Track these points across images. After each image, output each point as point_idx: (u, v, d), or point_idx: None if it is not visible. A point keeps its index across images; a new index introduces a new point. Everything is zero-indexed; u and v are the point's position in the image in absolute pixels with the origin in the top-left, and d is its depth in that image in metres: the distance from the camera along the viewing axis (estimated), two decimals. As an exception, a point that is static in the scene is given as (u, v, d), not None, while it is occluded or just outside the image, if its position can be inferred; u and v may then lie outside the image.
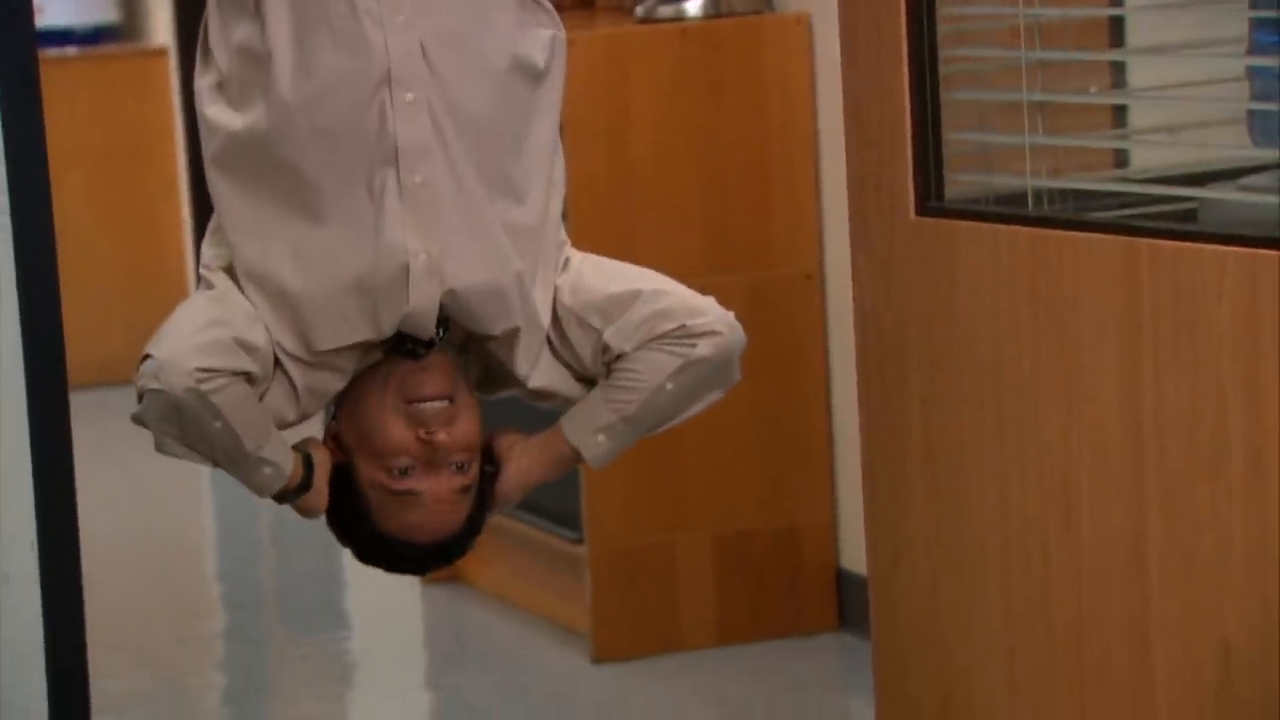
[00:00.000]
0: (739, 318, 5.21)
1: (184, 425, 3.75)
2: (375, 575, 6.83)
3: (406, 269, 3.81)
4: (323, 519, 3.89)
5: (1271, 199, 3.68)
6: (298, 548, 7.25)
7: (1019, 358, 3.91)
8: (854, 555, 5.28)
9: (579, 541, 5.72)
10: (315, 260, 3.84)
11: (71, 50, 7.59)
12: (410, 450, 3.74)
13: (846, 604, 5.63)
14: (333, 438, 3.86)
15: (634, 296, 3.95)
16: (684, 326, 3.92)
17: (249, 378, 3.75)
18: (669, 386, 3.91)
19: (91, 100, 6.98)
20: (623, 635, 5.73)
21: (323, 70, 3.81)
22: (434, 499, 3.74)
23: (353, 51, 3.80)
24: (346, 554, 7.27)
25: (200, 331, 3.77)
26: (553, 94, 4.01)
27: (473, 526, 3.91)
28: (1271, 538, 3.58)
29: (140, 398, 3.74)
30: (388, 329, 3.83)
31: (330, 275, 3.84)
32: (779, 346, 5.65)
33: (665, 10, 5.89)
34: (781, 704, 5.65)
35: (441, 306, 3.81)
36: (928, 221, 3.99)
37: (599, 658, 5.74)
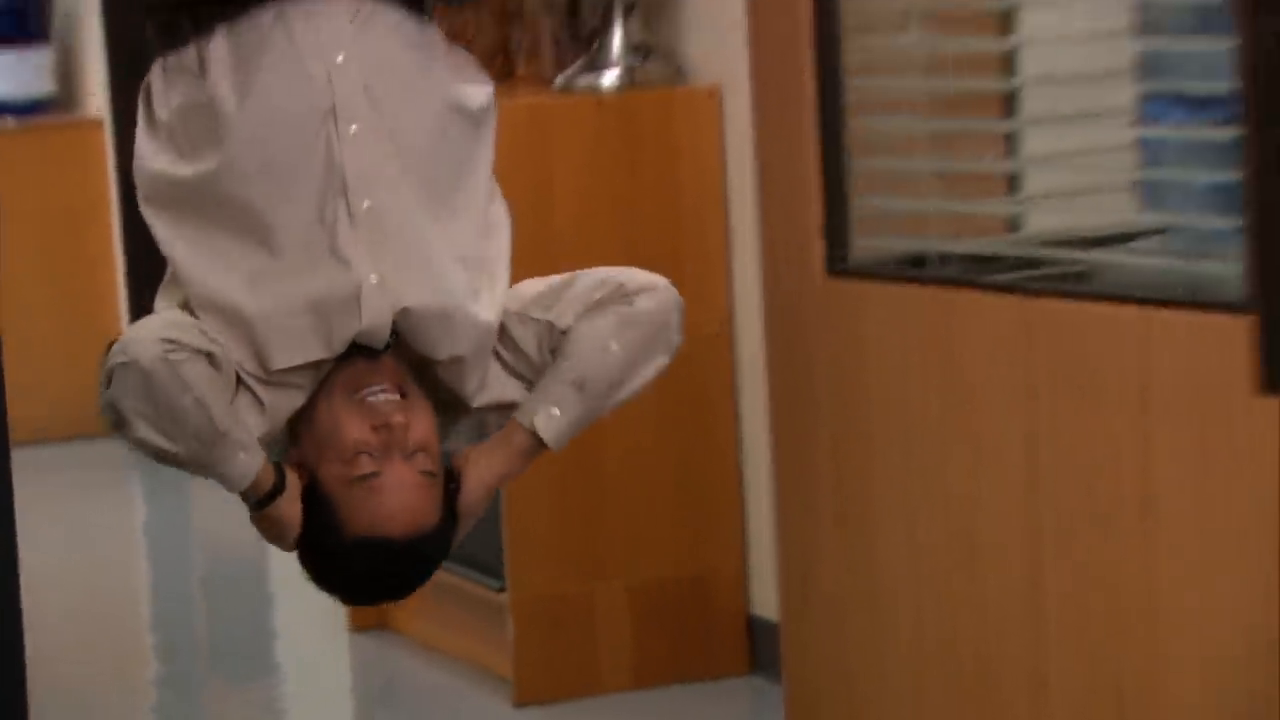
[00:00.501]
0: (654, 386, 5.35)
1: (155, 401, 3.64)
2: (305, 624, 6.92)
3: (359, 289, 3.88)
4: (294, 557, 3.82)
5: (1160, 261, 3.80)
6: (230, 598, 7.17)
7: (924, 412, 3.95)
8: (765, 601, 5.32)
9: (501, 590, 5.77)
10: (269, 285, 3.76)
11: (9, 121, 7.62)
12: (369, 443, 3.62)
13: (758, 649, 5.68)
14: (294, 464, 3.72)
15: (572, 279, 3.86)
16: (621, 285, 3.81)
17: (212, 360, 3.67)
18: (613, 347, 3.79)
19: (30, 169, 7.00)
20: (544, 680, 5.76)
21: (269, 110, 3.79)
22: (397, 480, 3.59)
23: (297, 89, 3.79)
24: (277, 604, 7.37)
25: (165, 322, 3.75)
26: (488, 140, 4.01)
27: (445, 532, 3.72)
28: (1161, 586, 3.67)
29: (109, 382, 3.61)
30: (339, 347, 3.73)
31: (284, 298, 3.75)
32: (693, 400, 5.71)
33: (582, 82, 5.93)
34: (704, 705, 5.70)
35: (394, 325, 3.75)
36: (836, 282, 4.03)
37: (521, 701, 5.72)
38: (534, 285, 3.87)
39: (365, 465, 3.60)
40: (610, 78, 5.89)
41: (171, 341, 3.63)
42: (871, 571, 4.10)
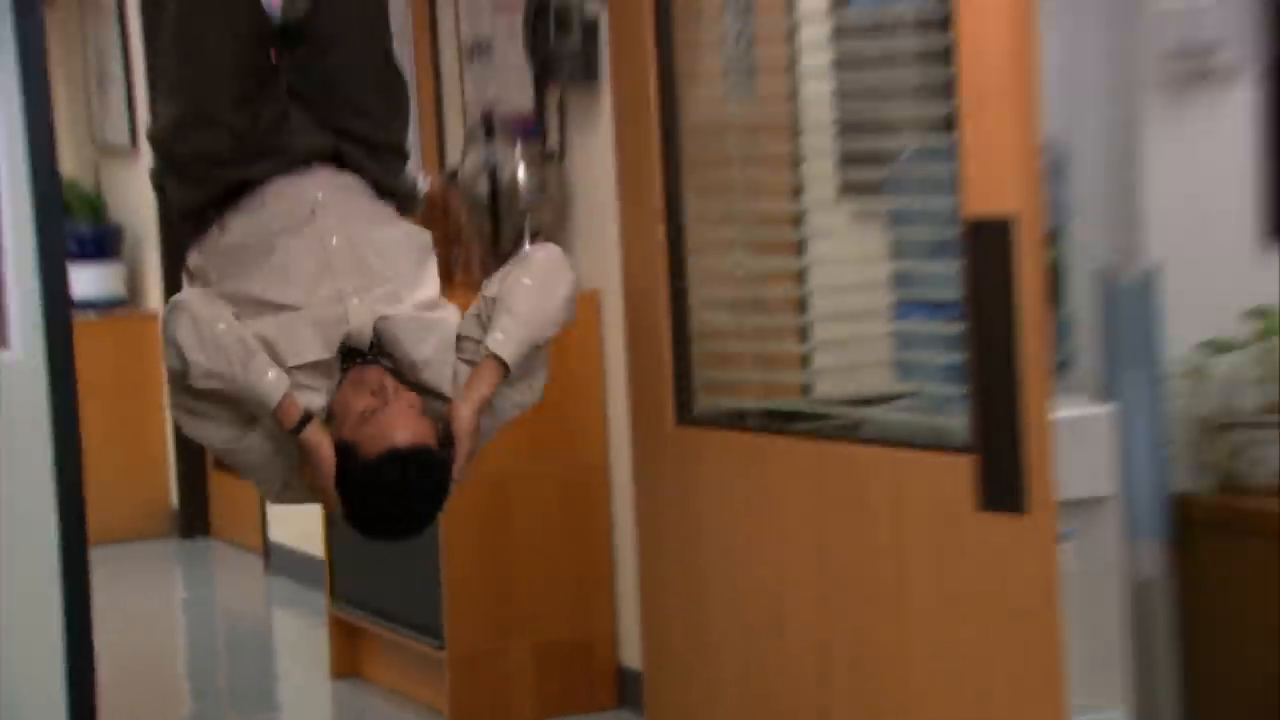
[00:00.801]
0: (548, 496, 5.36)
1: (199, 328, 3.58)
2: (298, 673, 6.86)
3: (346, 308, 3.84)
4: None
5: (909, 417, 3.86)
6: (242, 655, 7.05)
7: (745, 524, 3.97)
8: (631, 657, 5.28)
9: (441, 648, 5.75)
10: (284, 312, 3.80)
11: (92, 314, 7.58)
12: (371, 403, 3.54)
13: (625, 690, 5.65)
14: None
15: (503, 272, 3.86)
16: (524, 250, 4.08)
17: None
18: (525, 280, 3.74)
19: (104, 352, 6.93)
20: (471, 714, 5.76)
21: (276, 222, 3.78)
22: (395, 409, 3.49)
23: (294, 212, 3.76)
24: (278, 659, 7.29)
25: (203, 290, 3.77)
26: (431, 267, 3.93)
27: (445, 453, 3.58)
28: (913, 648, 3.74)
29: (166, 327, 3.59)
30: (335, 348, 3.68)
31: (294, 318, 3.69)
32: (581, 512, 5.63)
33: None
34: None
35: (375, 331, 3.68)
36: (682, 429, 4.05)
37: (457, 727, 5.77)
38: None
39: (370, 404, 3.51)
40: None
41: (209, 298, 3.61)
42: (708, 637, 4.10)
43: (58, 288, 3.71)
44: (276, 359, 3.62)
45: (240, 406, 3.62)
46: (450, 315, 3.78)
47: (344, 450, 3.52)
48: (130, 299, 8.31)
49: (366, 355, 3.65)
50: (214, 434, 3.68)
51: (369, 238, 3.82)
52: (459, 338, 3.70)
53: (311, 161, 3.92)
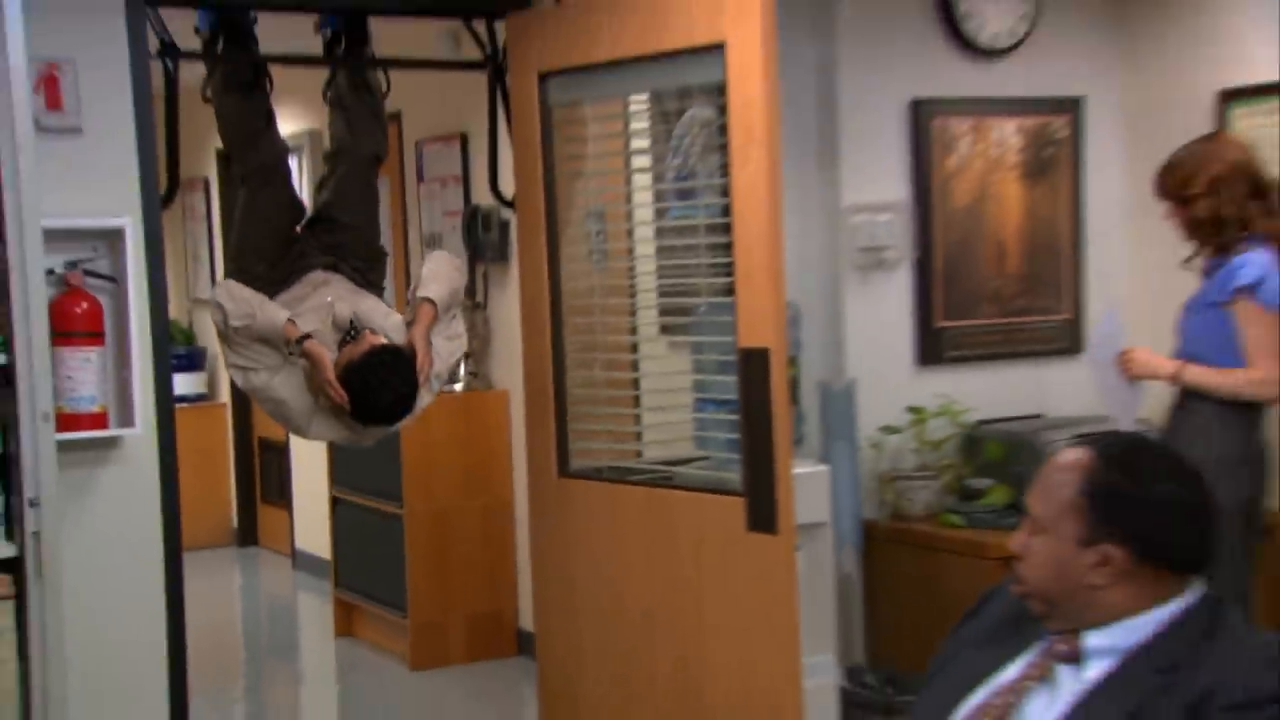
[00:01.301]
0: (475, 521, 5.17)
1: (232, 295, 3.52)
2: (313, 634, 6.66)
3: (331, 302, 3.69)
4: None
5: (707, 473, 3.73)
6: (277, 623, 7.02)
7: (601, 545, 3.81)
8: (527, 623, 5.26)
9: (405, 616, 5.63)
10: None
11: (185, 405, 7.45)
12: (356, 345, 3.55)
13: (523, 644, 5.57)
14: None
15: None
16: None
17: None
18: (430, 264, 3.75)
19: (190, 430, 6.70)
20: (424, 659, 5.59)
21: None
22: (373, 337, 3.52)
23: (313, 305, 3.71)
24: (300, 626, 7.05)
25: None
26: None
27: (410, 356, 3.54)
28: (708, 638, 3.60)
29: (214, 303, 3.56)
30: (327, 326, 3.63)
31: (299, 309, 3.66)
32: (496, 538, 5.64)
33: (449, 389, 5.86)
34: (491, 681, 5.49)
35: (351, 320, 3.64)
36: (563, 480, 3.91)
37: (415, 668, 5.55)
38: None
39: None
40: (458, 386, 5.79)
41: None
42: (575, 612, 3.95)
43: (165, 387, 3.60)
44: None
45: (271, 353, 3.55)
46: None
47: (345, 367, 3.48)
48: (210, 395, 8.30)
49: (349, 334, 3.61)
50: (257, 379, 3.56)
51: (357, 302, 3.75)
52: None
53: (318, 268, 3.83)
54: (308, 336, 3.53)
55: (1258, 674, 1.67)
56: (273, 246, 3.84)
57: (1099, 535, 1.78)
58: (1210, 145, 3.74)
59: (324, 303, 3.69)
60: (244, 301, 3.55)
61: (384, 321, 3.71)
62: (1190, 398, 3.67)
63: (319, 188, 4.15)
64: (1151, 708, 1.69)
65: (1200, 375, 3.60)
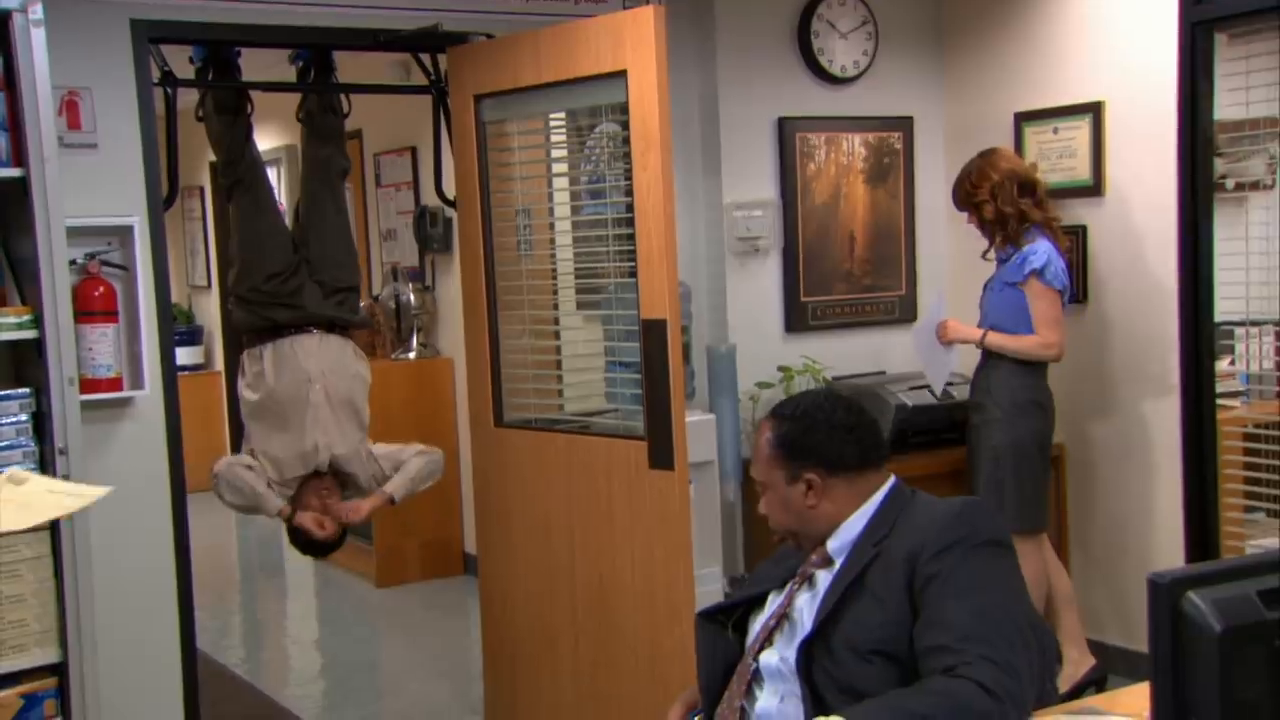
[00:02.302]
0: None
1: (230, 484, 3.66)
2: (300, 559, 6.59)
3: (317, 447, 3.72)
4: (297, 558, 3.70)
5: (615, 421, 3.74)
6: (265, 551, 6.91)
7: (532, 482, 3.81)
8: (470, 546, 5.25)
9: (371, 544, 5.61)
10: (285, 448, 3.73)
11: (186, 373, 7.27)
12: (315, 500, 3.78)
13: (468, 564, 5.57)
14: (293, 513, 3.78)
15: (402, 449, 4.00)
16: (421, 450, 4.00)
17: (252, 468, 3.69)
18: (417, 460, 3.92)
19: (193, 392, 6.58)
20: (386, 578, 5.57)
21: (284, 381, 3.74)
22: (322, 514, 3.77)
23: (297, 377, 3.74)
24: (285, 552, 6.92)
25: (233, 459, 3.75)
26: (365, 388, 3.95)
27: (336, 543, 3.89)
28: (621, 562, 3.59)
29: (214, 480, 3.69)
30: (311, 469, 3.72)
31: (290, 453, 3.72)
32: (442, 479, 5.70)
33: (402, 356, 5.72)
34: (442, 595, 5.51)
35: (331, 462, 3.72)
36: (499, 430, 3.91)
37: (379, 585, 5.57)
38: (385, 446, 3.96)
39: (315, 502, 3.75)
40: (412, 354, 5.75)
41: (232, 462, 3.70)
42: (510, 537, 3.94)
43: (169, 357, 3.57)
44: (280, 471, 3.72)
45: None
46: (366, 446, 3.90)
47: (294, 523, 3.78)
48: (206, 365, 8.16)
49: (319, 471, 3.78)
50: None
51: (340, 392, 3.81)
52: (375, 458, 3.88)
53: (312, 326, 3.84)
54: (291, 514, 3.75)
55: (949, 526, 1.83)
56: (271, 253, 3.81)
57: (797, 470, 1.97)
58: (985, 159, 3.94)
59: (313, 443, 3.74)
60: (243, 494, 3.68)
61: (357, 464, 3.84)
62: (991, 357, 3.86)
63: (296, 209, 4.13)
64: (874, 571, 1.86)
65: (999, 340, 3.80)
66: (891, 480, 2.01)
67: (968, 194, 3.92)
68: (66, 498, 2.33)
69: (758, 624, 2.01)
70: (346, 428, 3.79)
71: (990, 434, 3.82)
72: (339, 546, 3.91)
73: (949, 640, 1.71)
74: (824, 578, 1.95)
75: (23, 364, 3.06)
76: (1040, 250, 3.76)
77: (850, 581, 1.87)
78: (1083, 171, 4.23)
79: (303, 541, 3.85)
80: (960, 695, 1.65)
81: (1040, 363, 3.83)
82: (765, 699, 1.90)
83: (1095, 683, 3.89)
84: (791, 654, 1.87)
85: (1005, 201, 3.81)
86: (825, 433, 1.98)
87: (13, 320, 2.89)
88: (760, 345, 4.42)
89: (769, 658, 1.92)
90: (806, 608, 1.92)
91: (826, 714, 1.72)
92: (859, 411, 2.02)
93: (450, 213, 4.99)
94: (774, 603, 2.01)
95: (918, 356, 4.11)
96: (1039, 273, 3.73)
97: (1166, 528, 4.06)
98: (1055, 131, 4.32)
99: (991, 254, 3.98)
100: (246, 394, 3.75)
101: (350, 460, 3.78)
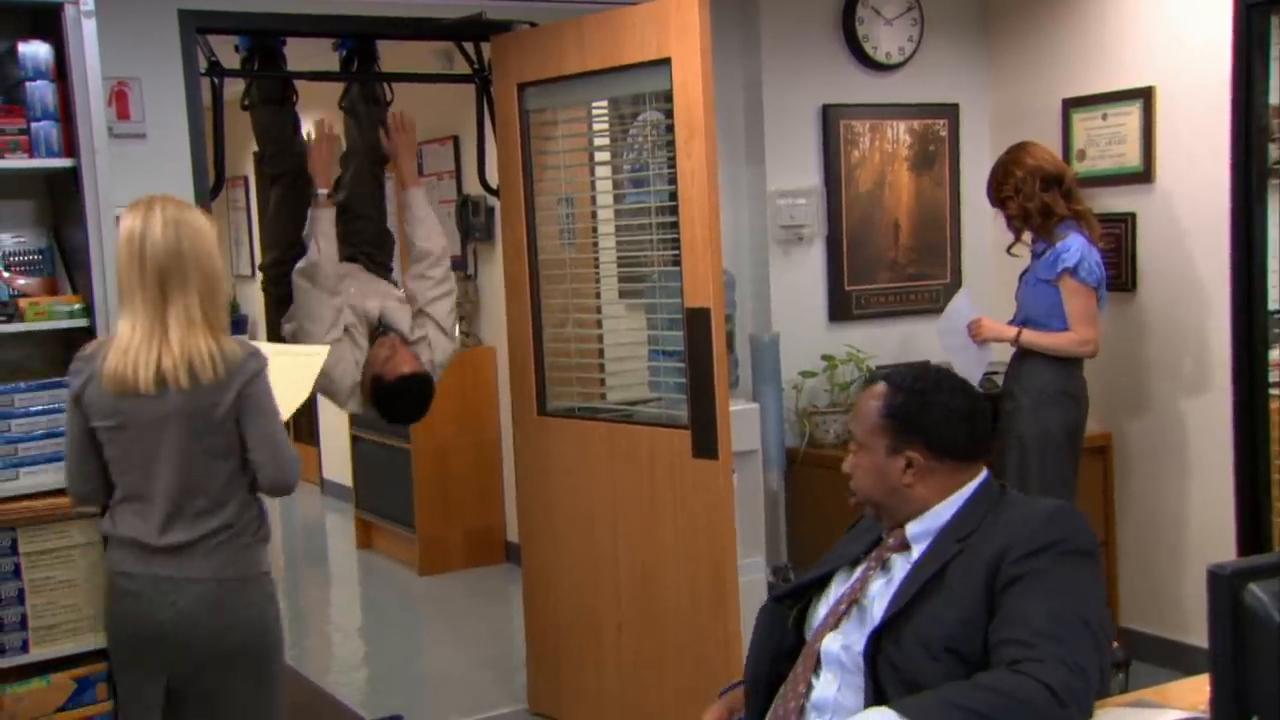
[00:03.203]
0: (469, 455, 5.14)
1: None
2: (339, 545, 6.63)
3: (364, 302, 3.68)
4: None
5: (659, 410, 3.75)
6: (309, 537, 6.93)
7: (575, 469, 3.82)
8: (513, 535, 5.27)
9: (414, 532, 5.66)
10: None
11: None
12: (385, 352, 3.52)
13: (510, 553, 5.60)
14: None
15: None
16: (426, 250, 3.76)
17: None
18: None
19: None
20: (430, 566, 5.61)
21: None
22: (401, 356, 3.49)
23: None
24: (328, 538, 7.01)
25: None
26: None
27: (428, 377, 3.57)
28: (664, 541, 3.60)
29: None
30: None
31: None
32: (487, 465, 5.64)
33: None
34: (484, 583, 5.52)
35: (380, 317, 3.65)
36: (541, 418, 3.92)
37: (422, 574, 5.58)
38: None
39: (386, 354, 3.52)
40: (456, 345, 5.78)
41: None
42: (552, 526, 3.96)
43: None
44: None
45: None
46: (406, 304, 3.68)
47: (375, 382, 3.48)
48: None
49: (378, 329, 3.58)
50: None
51: (374, 290, 3.71)
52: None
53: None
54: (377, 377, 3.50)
55: (1035, 529, 1.79)
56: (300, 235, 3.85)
57: (901, 444, 1.91)
58: (1010, 155, 3.92)
59: (349, 293, 3.62)
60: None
61: (399, 313, 3.67)
62: (1025, 348, 3.83)
63: (337, 185, 4.15)
64: (956, 567, 1.81)
65: (1034, 338, 3.80)
66: (984, 474, 1.95)
67: (995, 191, 3.92)
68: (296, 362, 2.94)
69: (823, 607, 1.96)
70: (378, 286, 3.80)
71: (1017, 423, 3.79)
72: (433, 392, 3.57)
73: (1023, 635, 1.68)
74: (900, 565, 1.90)
75: (74, 352, 3.09)
76: (1073, 247, 3.72)
77: (930, 575, 1.82)
78: (1132, 158, 4.19)
79: (393, 403, 3.52)
80: (1021, 694, 1.62)
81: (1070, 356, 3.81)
82: (822, 688, 1.86)
83: (1117, 665, 3.85)
84: (858, 642, 1.84)
85: (1028, 197, 3.80)
86: (940, 414, 1.92)
87: (64, 309, 2.92)
88: (804, 334, 4.41)
89: (832, 644, 1.88)
90: (880, 595, 1.88)
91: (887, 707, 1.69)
92: (975, 399, 1.97)
93: (493, 201, 5.01)
94: (842, 584, 1.97)
95: (946, 353, 4.08)
96: (1072, 270, 3.71)
97: (1210, 519, 4.02)
98: (1104, 118, 4.27)
99: (1017, 249, 3.97)
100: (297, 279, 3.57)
101: (396, 313, 3.68)
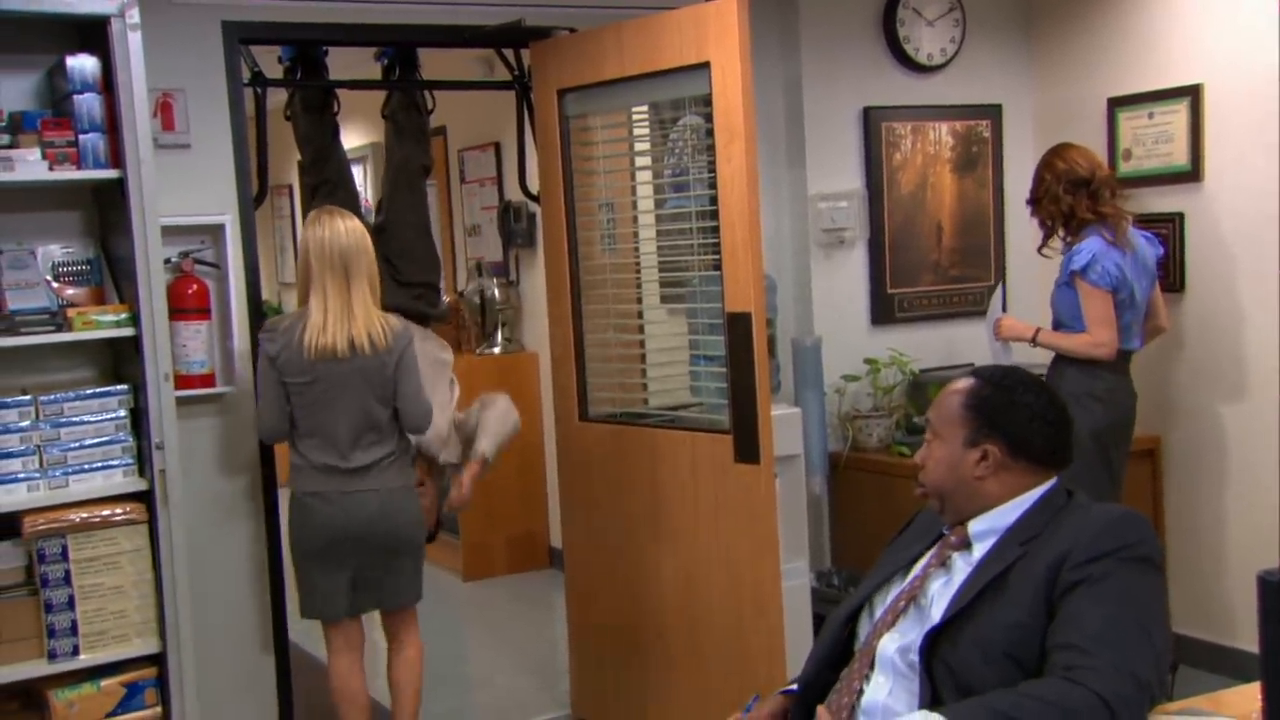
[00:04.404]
0: (513, 459, 5.17)
1: None
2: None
3: None
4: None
5: (699, 415, 3.74)
6: None
7: (615, 476, 3.81)
8: (555, 540, 5.28)
9: (457, 536, 5.66)
10: None
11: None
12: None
13: (554, 558, 5.60)
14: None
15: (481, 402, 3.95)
16: (480, 404, 3.91)
17: None
18: (490, 412, 3.87)
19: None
20: (474, 571, 5.61)
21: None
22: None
23: None
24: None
25: None
26: (448, 372, 3.91)
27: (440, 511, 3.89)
28: (709, 550, 3.59)
29: None
30: None
31: None
32: (530, 468, 5.64)
33: (487, 350, 5.69)
34: (528, 588, 5.53)
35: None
36: (583, 424, 3.91)
37: (467, 579, 5.59)
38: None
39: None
40: (497, 349, 5.79)
41: None
42: (594, 530, 3.95)
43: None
44: None
45: None
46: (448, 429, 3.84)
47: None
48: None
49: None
50: None
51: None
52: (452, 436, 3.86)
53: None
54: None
55: (1098, 534, 1.76)
56: None
57: (980, 437, 1.90)
58: (1045, 159, 3.90)
59: None
60: None
61: (439, 445, 3.82)
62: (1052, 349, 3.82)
63: (379, 204, 4.17)
64: (1018, 571, 1.78)
65: (1050, 339, 3.80)
66: (1053, 480, 1.92)
67: (1029, 194, 3.91)
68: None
69: (880, 607, 1.93)
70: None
71: None
72: (432, 539, 3.86)
73: (1080, 640, 1.66)
74: (960, 564, 1.87)
75: (121, 361, 3.14)
76: (1084, 249, 3.69)
77: (992, 578, 1.79)
78: (1180, 157, 4.12)
79: None
80: (1070, 703, 1.59)
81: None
82: (873, 691, 1.83)
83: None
84: (914, 641, 1.81)
85: (1053, 199, 3.78)
86: (1025, 414, 1.90)
87: (111, 318, 2.97)
88: (846, 338, 4.38)
89: (889, 645, 1.85)
90: (939, 595, 1.85)
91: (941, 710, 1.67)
92: (1062, 409, 1.95)
93: (534, 207, 5.02)
94: (899, 585, 1.94)
95: (989, 352, 4.06)
96: (1081, 272, 3.68)
97: (1258, 522, 3.95)
98: (1150, 116, 4.21)
99: (1047, 250, 3.94)
100: None
101: (431, 444, 3.79)
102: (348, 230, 3.22)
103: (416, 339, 3.50)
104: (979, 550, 1.87)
